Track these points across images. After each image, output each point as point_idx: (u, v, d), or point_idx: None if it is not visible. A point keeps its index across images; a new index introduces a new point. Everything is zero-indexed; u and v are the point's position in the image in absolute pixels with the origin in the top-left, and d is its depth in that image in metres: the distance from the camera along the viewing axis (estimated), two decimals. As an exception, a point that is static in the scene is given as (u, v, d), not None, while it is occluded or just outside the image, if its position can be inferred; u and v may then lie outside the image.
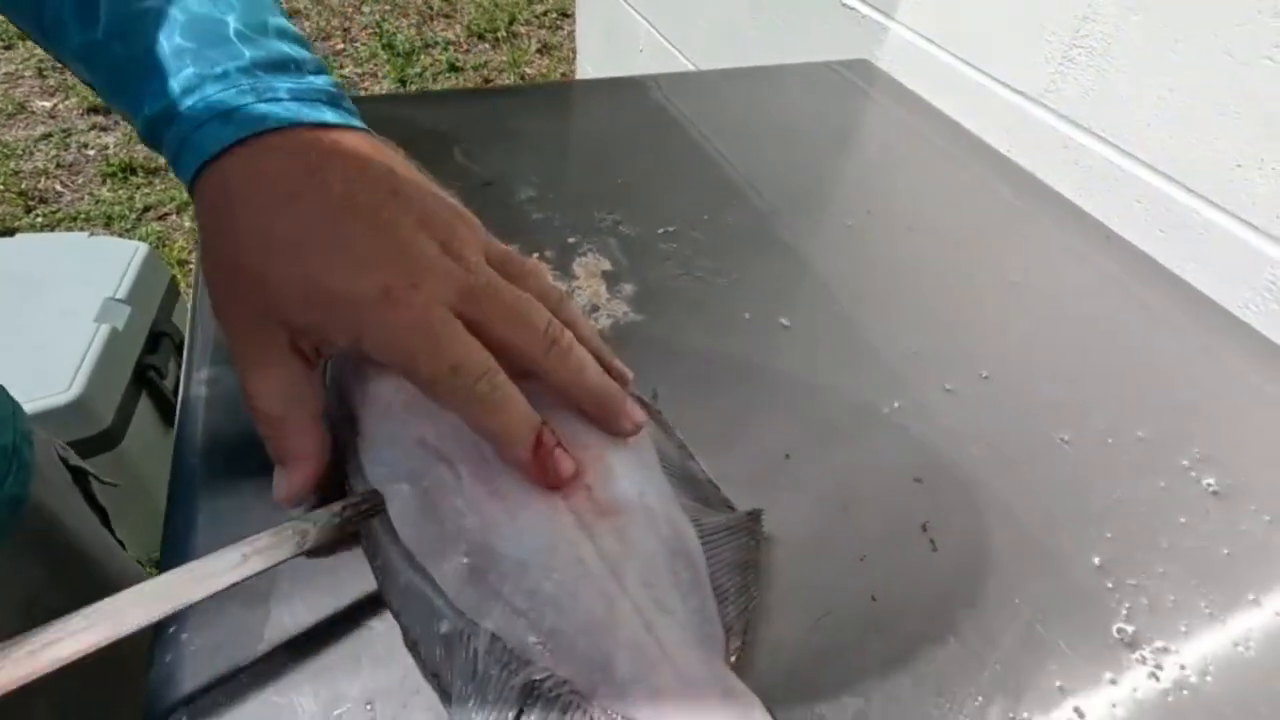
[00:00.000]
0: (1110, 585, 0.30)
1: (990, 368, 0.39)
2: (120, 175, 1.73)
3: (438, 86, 2.20)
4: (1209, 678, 0.28)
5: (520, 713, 0.22)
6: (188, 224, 1.65)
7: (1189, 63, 0.49)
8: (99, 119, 1.90)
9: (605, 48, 1.49)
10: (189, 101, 0.25)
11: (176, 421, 0.32)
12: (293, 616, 0.25)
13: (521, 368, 0.25)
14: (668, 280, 0.43)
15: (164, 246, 1.58)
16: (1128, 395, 0.39)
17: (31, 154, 1.78)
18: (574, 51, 1.93)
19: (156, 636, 0.25)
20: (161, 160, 1.81)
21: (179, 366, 1.03)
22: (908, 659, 0.27)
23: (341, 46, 2.35)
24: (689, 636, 0.24)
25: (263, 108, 0.25)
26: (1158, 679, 0.28)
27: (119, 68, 0.26)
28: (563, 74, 2.30)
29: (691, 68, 1.14)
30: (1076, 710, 0.26)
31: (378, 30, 2.40)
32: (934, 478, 0.33)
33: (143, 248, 1.01)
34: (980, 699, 0.26)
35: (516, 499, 0.25)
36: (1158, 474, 0.35)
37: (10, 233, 1.48)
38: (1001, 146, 0.61)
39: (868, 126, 0.62)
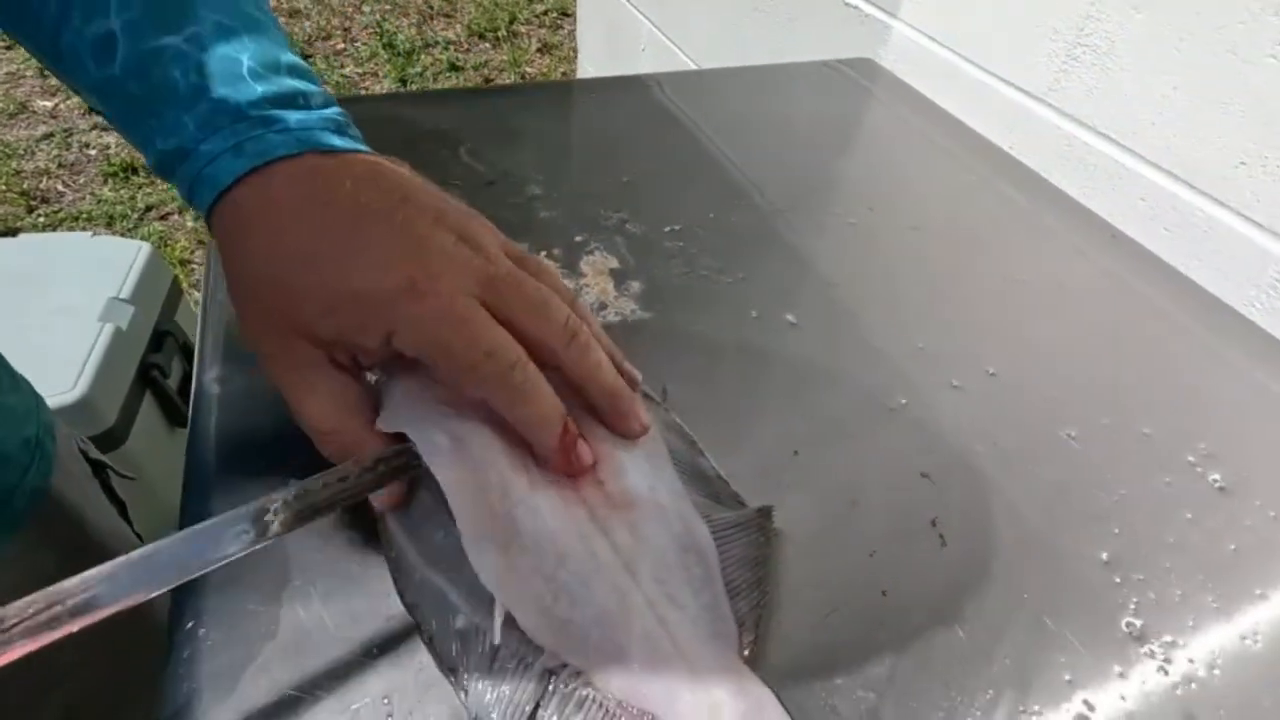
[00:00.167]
0: (1118, 580, 0.30)
1: (996, 364, 0.39)
2: (122, 175, 1.73)
3: (438, 86, 2.20)
4: (1217, 671, 0.28)
5: (536, 707, 0.22)
6: (190, 223, 1.65)
7: (1192, 61, 0.49)
8: (100, 119, 1.90)
9: (606, 47, 1.49)
10: (203, 137, 0.26)
11: (189, 420, 0.32)
12: (308, 612, 0.25)
13: (538, 359, 0.25)
14: (674, 278, 0.43)
15: (166, 246, 1.58)
16: (1133, 392, 0.39)
17: (33, 154, 1.78)
18: (575, 51, 1.93)
19: (173, 632, 0.25)
20: (163, 160, 1.81)
21: (182, 365, 1.03)
22: (918, 653, 0.27)
23: (342, 46, 2.35)
24: (701, 631, 0.25)
25: (273, 138, 0.26)
26: (1166, 672, 0.28)
27: (134, 103, 0.27)
28: (563, 73, 2.30)
29: (693, 67, 1.14)
30: (1086, 703, 0.26)
31: (378, 30, 2.40)
32: (942, 474, 0.34)
33: (145, 247, 1.02)
34: (990, 692, 0.26)
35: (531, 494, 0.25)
36: (1164, 470, 0.35)
37: (12, 233, 1.48)
38: (1005, 145, 0.61)
39: (871, 125, 0.62)
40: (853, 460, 0.34)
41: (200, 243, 1.57)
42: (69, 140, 1.83)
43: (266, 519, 0.23)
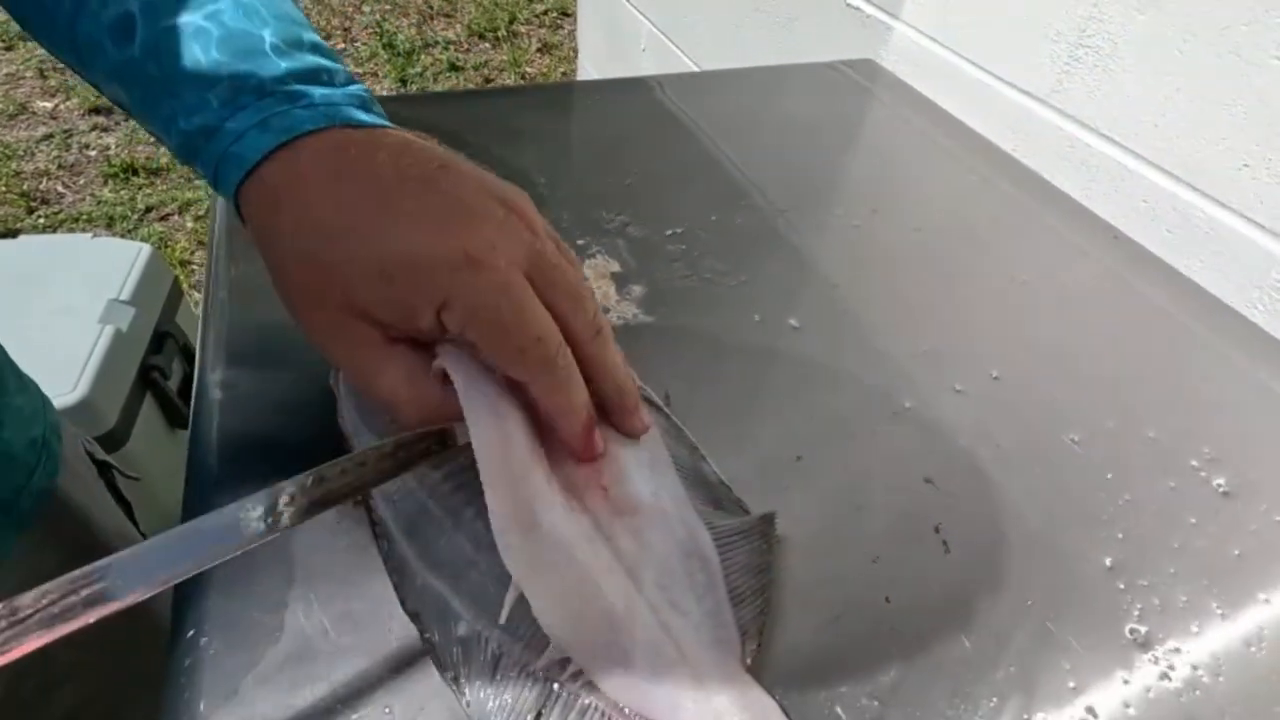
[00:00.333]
0: (1122, 586, 0.30)
1: (1000, 368, 0.39)
2: (122, 176, 1.73)
3: (438, 86, 2.20)
4: (1221, 678, 0.28)
5: (539, 714, 0.22)
6: (190, 224, 1.65)
7: (1195, 63, 0.49)
8: (100, 119, 1.90)
9: (606, 47, 1.49)
10: (227, 115, 0.25)
11: (191, 422, 0.32)
12: (309, 620, 0.25)
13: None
14: (676, 281, 0.43)
15: (166, 247, 1.58)
16: (1137, 395, 0.39)
17: (33, 155, 1.78)
18: (575, 51, 1.93)
19: (174, 639, 0.25)
20: (163, 160, 1.81)
21: (183, 367, 1.03)
22: (922, 660, 0.27)
23: (342, 46, 2.35)
24: (704, 638, 0.25)
25: (299, 113, 0.25)
26: (1170, 679, 0.28)
27: (154, 85, 0.26)
28: (563, 73, 2.30)
29: (694, 67, 1.13)
30: (1090, 710, 0.26)
31: (378, 30, 2.40)
32: (945, 479, 0.33)
33: (146, 248, 1.01)
34: (995, 699, 0.26)
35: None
36: (1168, 474, 0.35)
37: (12, 234, 1.48)
38: (1007, 146, 0.61)
39: (873, 127, 0.62)
40: (855, 465, 0.34)
41: (200, 244, 1.57)
42: (69, 141, 1.83)
43: (280, 507, 0.22)
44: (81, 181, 1.73)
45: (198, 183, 1.72)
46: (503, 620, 0.23)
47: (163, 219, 1.66)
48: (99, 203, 1.67)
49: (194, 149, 0.26)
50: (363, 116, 0.27)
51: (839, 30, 0.80)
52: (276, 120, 0.25)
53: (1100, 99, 0.56)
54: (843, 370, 0.38)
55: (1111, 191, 0.56)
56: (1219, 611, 0.30)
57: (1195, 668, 0.28)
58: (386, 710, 0.24)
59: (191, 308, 1.13)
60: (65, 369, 0.83)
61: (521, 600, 0.24)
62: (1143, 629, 0.29)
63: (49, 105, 1.94)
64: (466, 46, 2.41)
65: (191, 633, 0.25)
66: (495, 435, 0.24)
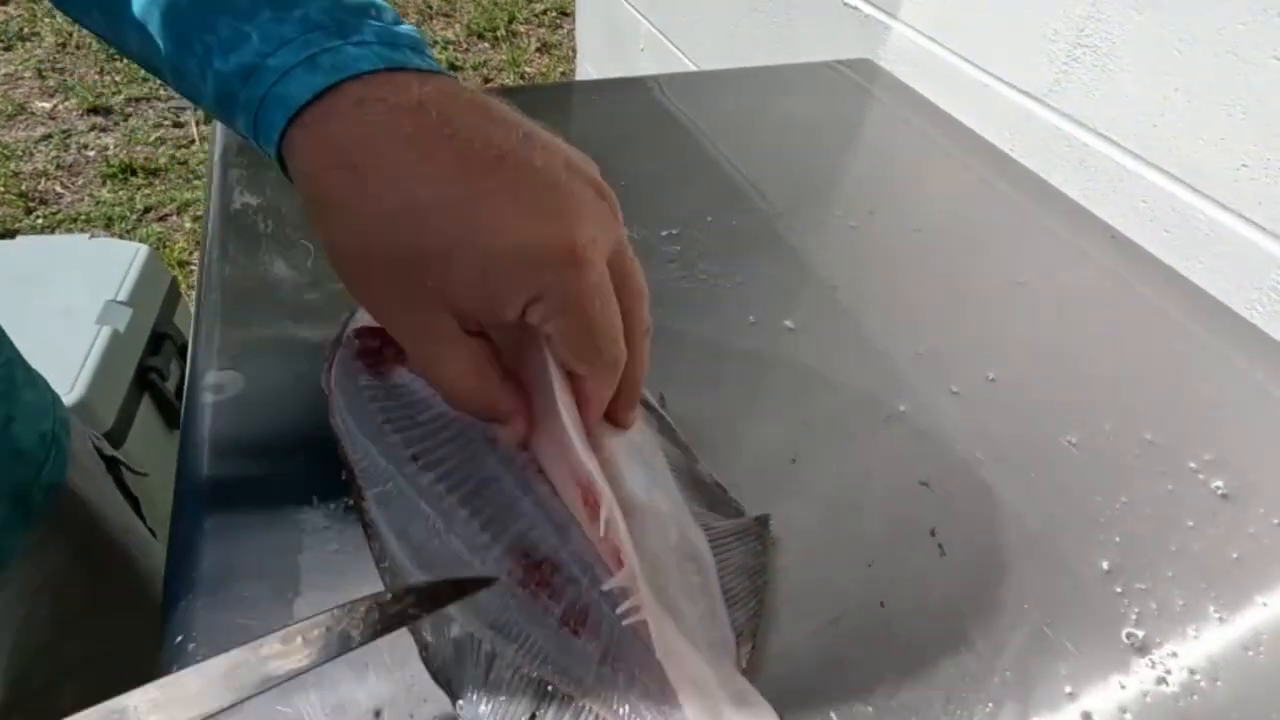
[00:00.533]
0: (1119, 589, 0.30)
1: (996, 370, 0.39)
2: (120, 176, 1.73)
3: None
4: (1219, 682, 0.28)
5: (533, 717, 0.22)
6: (188, 225, 1.64)
7: (1194, 62, 0.49)
8: (98, 120, 1.90)
9: (605, 47, 1.49)
10: (269, 50, 0.22)
11: (181, 427, 0.32)
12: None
13: None
14: (672, 282, 0.42)
15: (165, 248, 1.58)
16: (1135, 397, 0.39)
17: (31, 155, 1.78)
18: (574, 50, 1.93)
19: (162, 646, 0.25)
20: (162, 161, 1.81)
21: (181, 368, 1.03)
22: (917, 665, 0.27)
23: (341, 46, 2.35)
24: (698, 639, 0.24)
25: (351, 50, 0.22)
26: (1167, 683, 0.27)
27: (185, 22, 0.23)
28: (562, 73, 2.29)
29: (693, 67, 1.13)
30: (1086, 715, 0.26)
31: (377, 30, 2.39)
32: (941, 481, 0.33)
33: (143, 249, 1.01)
34: (991, 705, 0.26)
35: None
36: (1166, 477, 0.35)
37: (11, 234, 1.48)
38: (1005, 146, 0.61)
39: (871, 126, 0.62)
40: (851, 468, 0.33)
41: (198, 244, 1.57)
42: (67, 142, 1.83)
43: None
44: (80, 182, 1.73)
45: (196, 183, 1.71)
46: (490, 670, 0.23)
47: (161, 220, 1.66)
48: (97, 203, 1.67)
49: (231, 96, 0.23)
50: (418, 62, 0.23)
51: (837, 30, 0.80)
52: (326, 57, 0.22)
53: (1099, 99, 0.55)
54: (839, 372, 0.38)
55: (1110, 192, 0.56)
56: (1217, 615, 0.30)
57: (1193, 672, 0.28)
58: (377, 715, 0.23)
59: (190, 309, 1.13)
60: (63, 369, 0.83)
61: (518, 603, 0.24)
62: (1140, 633, 0.29)
63: (47, 106, 1.94)
64: (465, 46, 2.41)
65: (179, 638, 0.24)
66: (578, 426, 0.24)
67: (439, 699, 0.24)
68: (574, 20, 1.77)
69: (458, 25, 2.50)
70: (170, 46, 0.24)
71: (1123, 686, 0.27)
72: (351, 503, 0.28)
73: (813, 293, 0.43)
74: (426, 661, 0.24)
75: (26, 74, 2.03)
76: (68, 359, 0.84)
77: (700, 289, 0.42)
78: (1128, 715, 0.26)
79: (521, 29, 2.49)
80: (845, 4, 0.78)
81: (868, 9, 0.75)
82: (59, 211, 1.65)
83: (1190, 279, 0.48)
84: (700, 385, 0.36)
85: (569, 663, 0.23)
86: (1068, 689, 0.27)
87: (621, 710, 0.22)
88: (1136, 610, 0.29)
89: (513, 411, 0.25)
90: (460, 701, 0.23)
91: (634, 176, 0.51)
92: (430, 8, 2.56)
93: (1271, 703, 0.27)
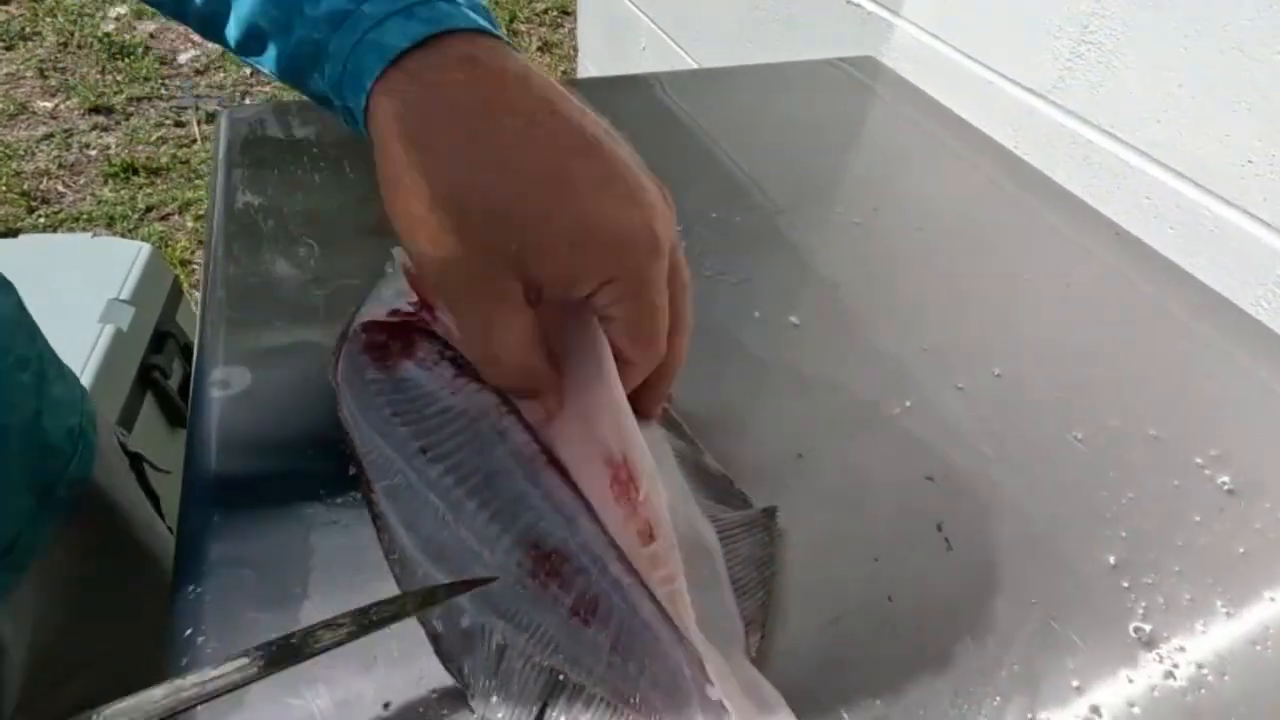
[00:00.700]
0: (1126, 584, 0.30)
1: (1001, 366, 0.39)
2: (122, 175, 1.73)
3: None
4: (1227, 677, 0.28)
5: (544, 706, 0.22)
6: (190, 224, 1.64)
7: (1199, 59, 0.49)
8: (100, 119, 1.90)
9: (607, 45, 1.49)
10: None
11: (188, 422, 0.32)
12: (307, 616, 0.25)
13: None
14: (677, 279, 0.42)
15: (167, 247, 1.58)
16: (1140, 393, 0.39)
17: (33, 154, 1.78)
18: (575, 49, 1.93)
19: (171, 638, 0.25)
20: (164, 160, 1.81)
21: (183, 366, 1.03)
22: (924, 660, 0.27)
23: (342, 45, 2.35)
24: (708, 628, 0.24)
25: (443, 6, 0.22)
26: (1175, 678, 0.27)
27: None
28: (564, 72, 2.29)
29: (694, 65, 1.13)
30: (1094, 710, 0.26)
31: (378, 29, 2.39)
32: (947, 477, 0.33)
33: (146, 248, 1.01)
34: (998, 699, 0.26)
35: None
36: (1171, 472, 0.35)
37: (13, 233, 1.48)
38: (1009, 143, 0.61)
39: (874, 124, 0.62)
40: (857, 463, 0.33)
41: (201, 243, 1.57)
42: (69, 141, 1.83)
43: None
44: (82, 181, 1.73)
45: (198, 183, 1.72)
46: (502, 660, 0.23)
47: (163, 219, 1.66)
48: (99, 202, 1.67)
49: (318, 46, 0.23)
50: (501, 34, 0.24)
51: (840, 27, 0.80)
52: (421, 9, 0.22)
53: (1103, 95, 0.55)
54: (844, 368, 0.38)
55: (1114, 188, 0.56)
56: (1224, 610, 0.30)
57: (1200, 666, 0.28)
58: (385, 707, 0.23)
59: (192, 307, 1.13)
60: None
61: (528, 594, 0.24)
62: (1147, 628, 0.29)
63: (49, 105, 1.94)
64: (467, 46, 2.40)
65: (189, 631, 0.24)
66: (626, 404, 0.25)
67: (448, 691, 0.24)
68: (575, 19, 1.77)
69: (459, 25, 2.49)
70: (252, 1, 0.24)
71: (1130, 681, 0.27)
72: (360, 495, 0.28)
73: (816, 290, 0.43)
74: (438, 652, 0.24)
75: (28, 73, 2.03)
76: (70, 357, 0.84)
77: (704, 286, 0.42)
78: (1135, 710, 0.26)
79: (522, 28, 2.49)
80: (848, 1, 0.78)
81: (870, 6, 0.75)
82: (61, 211, 1.65)
83: (1195, 275, 0.48)
84: (705, 381, 0.36)
85: (580, 652, 0.23)
86: (1075, 683, 0.27)
87: (632, 699, 0.22)
88: (1143, 605, 0.29)
89: (550, 389, 0.25)
90: (472, 691, 0.23)
91: (638, 173, 0.51)
92: (431, 7, 2.56)
93: (1279, 697, 0.27)
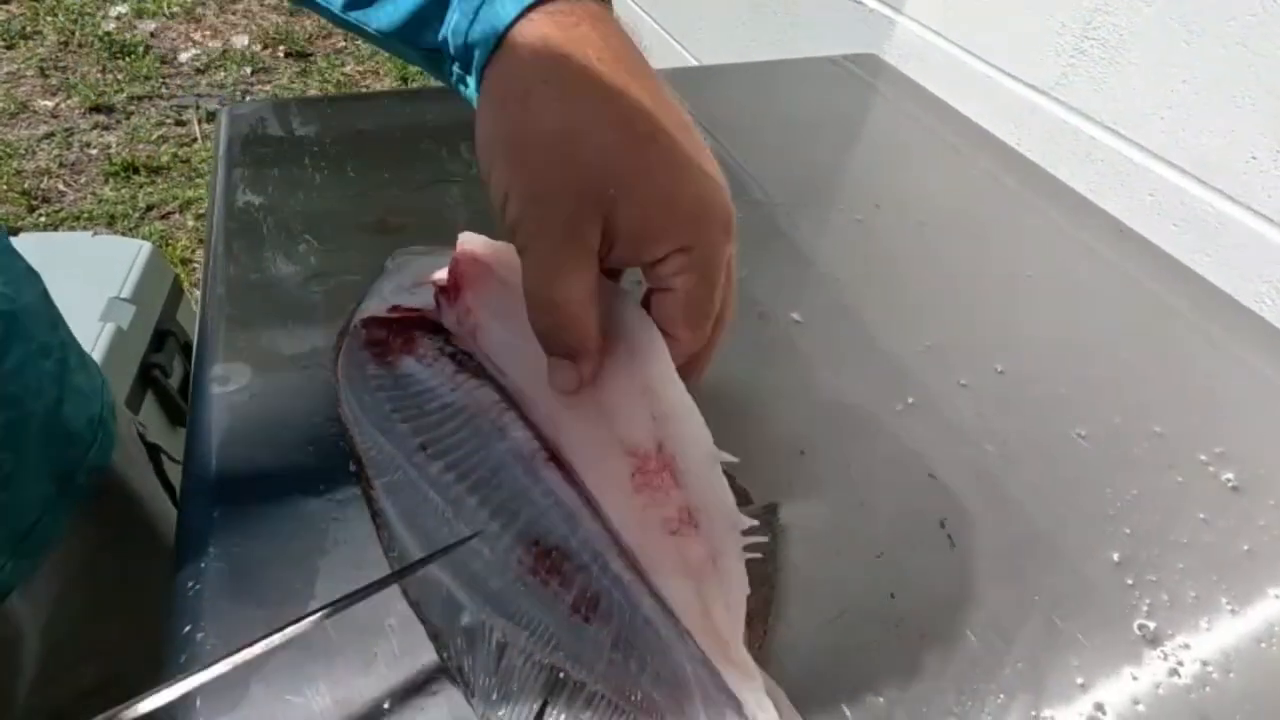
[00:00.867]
0: (1130, 582, 0.30)
1: (1005, 363, 0.39)
2: (123, 174, 1.73)
3: (439, 84, 2.19)
4: (1232, 674, 0.27)
5: (545, 704, 0.22)
6: (190, 223, 1.64)
7: (1202, 55, 0.49)
8: (101, 118, 1.90)
9: (608, 44, 1.49)
10: None
11: (189, 419, 0.32)
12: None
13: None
14: (678, 276, 0.42)
15: (167, 245, 1.58)
16: (1144, 390, 0.39)
17: (34, 153, 1.78)
18: (576, 48, 1.92)
19: (170, 635, 0.24)
20: (164, 159, 1.81)
21: (184, 365, 1.03)
22: (928, 657, 0.26)
23: (343, 45, 2.35)
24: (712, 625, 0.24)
25: None
26: (1180, 675, 0.27)
27: None
28: (565, 71, 2.29)
29: (695, 63, 1.13)
30: (1099, 707, 0.26)
31: (379, 28, 2.39)
32: (950, 474, 0.33)
33: (147, 246, 1.01)
34: (1002, 696, 0.26)
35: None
36: (1176, 469, 0.35)
37: (14, 232, 1.48)
38: (1012, 140, 0.61)
39: (876, 121, 0.62)
40: (860, 460, 0.33)
41: (201, 242, 1.57)
42: (70, 140, 1.83)
43: None
44: (83, 180, 1.73)
45: (198, 181, 1.72)
46: (502, 657, 0.23)
47: (163, 217, 1.66)
48: (100, 201, 1.67)
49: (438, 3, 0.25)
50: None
51: (841, 25, 0.80)
52: None
53: (1106, 92, 0.55)
54: (846, 365, 0.38)
55: (1117, 185, 0.55)
56: (1229, 607, 0.29)
57: (1205, 664, 0.28)
58: (386, 707, 0.23)
59: (192, 306, 1.13)
60: (66, 367, 0.83)
61: (529, 591, 0.24)
62: (1151, 625, 0.29)
63: (50, 104, 1.94)
64: (467, 44, 2.40)
65: (188, 628, 0.24)
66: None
67: (448, 689, 0.24)
68: (576, 18, 1.77)
69: (459, 23, 2.49)
70: None
71: (1135, 678, 0.27)
72: (360, 492, 0.28)
73: (819, 286, 0.43)
74: (438, 651, 0.24)
75: (29, 72, 2.03)
76: (71, 356, 0.84)
77: (706, 282, 0.42)
78: (1140, 707, 0.26)
79: (523, 27, 2.49)
80: (849, -1, 0.78)
81: (872, 3, 0.75)
82: (62, 210, 1.65)
83: (1198, 272, 0.48)
84: (707, 378, 0.36)
85: (580, 649, 0.23)
86: (1079, 680, 0.27)
87: (634, 696, 0.22)
88: (1148, 602, 0.29)
89: (589, 352, 0.25)
90: (472, 689, 0.23)
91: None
92: (432, 6, 2.56)
93: (1284, 695, 0.27)
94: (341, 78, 2.17)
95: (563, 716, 0.22)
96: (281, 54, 2.17)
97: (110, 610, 0.40)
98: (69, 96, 1.96)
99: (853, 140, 0.59)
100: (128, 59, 2.07)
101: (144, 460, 0.46)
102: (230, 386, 0.33)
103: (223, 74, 2.08)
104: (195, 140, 1.84)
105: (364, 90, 2.12)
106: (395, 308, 0.31)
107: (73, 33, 2.14)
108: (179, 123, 1.90)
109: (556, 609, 0.23)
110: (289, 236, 0.41)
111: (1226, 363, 0.42)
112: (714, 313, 0.25)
